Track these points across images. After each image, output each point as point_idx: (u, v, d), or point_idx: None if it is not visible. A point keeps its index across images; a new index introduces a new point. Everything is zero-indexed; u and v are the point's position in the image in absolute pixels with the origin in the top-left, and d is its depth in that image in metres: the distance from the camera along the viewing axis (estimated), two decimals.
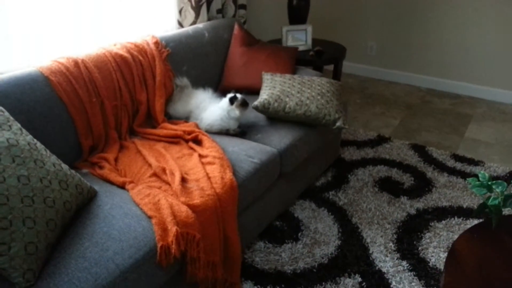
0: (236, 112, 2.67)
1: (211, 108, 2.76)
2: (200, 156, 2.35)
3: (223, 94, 3.04)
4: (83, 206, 1.88)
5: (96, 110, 2.43)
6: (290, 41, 3.89)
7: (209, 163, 2.28)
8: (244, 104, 2.68)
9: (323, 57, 3.77)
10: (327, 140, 3.16)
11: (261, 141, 2.67)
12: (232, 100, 2.64)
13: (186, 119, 2.82)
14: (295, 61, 3.42)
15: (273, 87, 2.88)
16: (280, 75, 3.06)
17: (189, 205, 1.94)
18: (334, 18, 5.20)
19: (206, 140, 2.47)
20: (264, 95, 2.81)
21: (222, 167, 2.25)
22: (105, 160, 2.34)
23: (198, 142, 2.51)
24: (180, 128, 2.58)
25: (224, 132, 2.71)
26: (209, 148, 2.40)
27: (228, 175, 2.20)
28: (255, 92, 3.13)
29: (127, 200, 1.95)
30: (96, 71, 2.47)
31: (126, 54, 2.65)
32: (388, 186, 3.26)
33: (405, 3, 4.81)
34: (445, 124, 4.21)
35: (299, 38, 3.89)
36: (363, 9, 5.07)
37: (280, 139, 2.67)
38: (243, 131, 2.74)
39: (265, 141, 2.67)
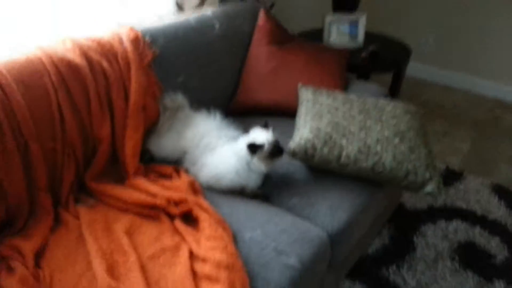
0: (261, 165, 1.54)
1: (221, 150, 1.63)
2: (193, 257, 1.24)
3: (237, 116, 1.91)
4: None
5: (12, 160, 1.32)
6: (334, 36, 2.69)
7: (209, 278, 1.17)
8: (276, 154, 1.56)
9: (378, 61, 2.59)
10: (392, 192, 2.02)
11: (299, 213, 1.55)
12: (253, 148, 1.51)
13: (177, 162, 1.70)
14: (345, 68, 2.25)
15: (318, 117, 1.73)
16: (327, 94, 1.90)
17: None
18: (379, 2, 3.93)
19: (206, 220, 1.34)
20: (304, 132, 1.66)
21: None
22: (19, 253, 1.25)
23: (191, 220, 1.40)
24: (162, 192, 1.44)
25: (237, 190, 1.60)
26: (211, 239, 1.28)
27: None
28: (286, 112, 1.99)
29: None
30: (18, 91, 1.35)
31: (78, 60, 1.51)
32: (473, 259, 2.13)
33: None
34: None
35: (346, 32, 2.70)
36: None
37: (331, 210, 1.54)
38: (266, 194, 1.62)
39: (306, 213, 1.55)
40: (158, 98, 1.72)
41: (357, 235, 1.64)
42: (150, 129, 1.70)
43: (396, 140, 1.66)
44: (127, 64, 1.62)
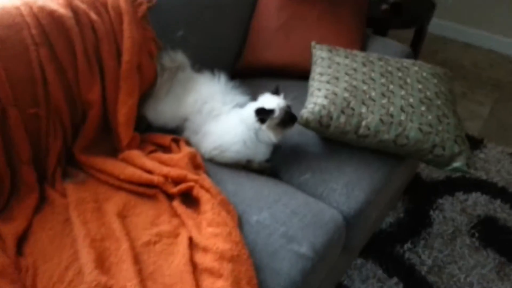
0: (271, 135, 1.36)
1: (226, 118, 1.44)
2: (193, 245, 1.09)
3: (245, 77, 1.71)
4: None
5: None
6: None
7: (210, 272, 1.02)
8: (288, 122, 1.37)
9: (400, 15, 2.34)
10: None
11: (312, 192, 1.38)
12: (262, 114, 1.32)
13: (177, 131, 1.51)
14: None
15: (335, 80, 1.53)
16: (344, 53, 1.68)
17: None
18: None
19: (208, 202, 1.18)
20: (319, 97, 1.47)
21: (237, 284, 0.99)
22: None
23: (191, 200, 1.23)
24: (159, 167, 1.26)
25: (242, 164, 1.43)
26: (213, 224, 1.12)
27: None
28: (299, 74, 1.79)
29: None
30: None
31: (63, 10, 1.29)
32: (494, 236, 1.98)
33: None
34: None
35: None
36: None
37: (347, 188, 1.37)
38: (274, 168, 1.45)
39: (319, 191, 1.38)
40: (155, 57, 1.51)
41: (374, 215, 1.48)
42: (147, 92, 1.50)
43: (422, 108, 1.46)
44: (119, 15, 1.40)
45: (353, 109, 1.43)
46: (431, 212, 2.07)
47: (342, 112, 1.42)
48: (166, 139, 1.43)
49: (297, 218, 1.23)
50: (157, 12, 1.53)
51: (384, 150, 1.47)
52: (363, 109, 1.43)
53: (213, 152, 1.41)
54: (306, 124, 1.42)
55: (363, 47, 1.90)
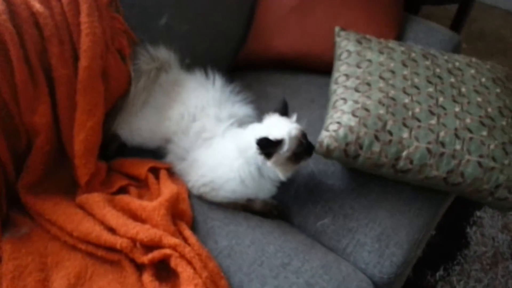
0: (278, 172, 0.99)
1: (220, 144, 1.08)
2: None
3: (248, 70, 1.36)
4: None
5: None
6: None
7: None
8: (303, 155, 1.00)
9: None
10: None
11: (332, 244, 1.04)
12: (267, 147, 0.95)
13: (159, 151, 1.16)
14: None
15: (365, 87, 1.14)
16: (378, 45, 1.29)
17: None
18: None
19: (189, 279, 0.84)
20: (344, 113, 1.08)
21: None
22: None
23: (169, 272, 0.89)
24: (126, 225, 0.91)
25: (241, 203, 1.08)
26: None
27: None
28: (316, 67, 1.42)
29: None
30: None
31: None
32: None
33: None
34: None
35: None
36: None
37: (379, 243, 1.02)
38: (283, 208, 1.10)
39: (342, 243, 1.04)
40: (128, 56, 1.12)
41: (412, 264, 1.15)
42: (118, 104, 1.13)
43: (483, 133, 1.09)
44: (75, 3, 1.01)
45: (390, 133, 1.06)
46: (468, 229, 1.73)
47: (376, 138, 1.05)
48: (142, 169, 1.08)
49: None
50: None
51: (429, 187, 1.11)
52: (405, 134, 1.06)
53: (202, 189, 1.06)
54: (327, 153, 1.05)
55: (399, 35, 1.49)
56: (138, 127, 1.14)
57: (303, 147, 1.00)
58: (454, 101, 1.13)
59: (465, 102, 1.13)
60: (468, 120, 1.10)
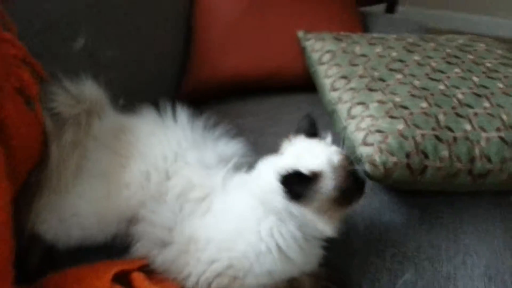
0: (320, 222, 0.61)
1: (227, 203, 0.66)
2: None
3: (198, 102, 0.95)
4: None
5: None
6: None
7: None
8: (354, 193, 0.63)
9: None
10: None
11: None
12: (296, 184, 0.58)
13: (114, 248, 0.69)
14: None
15: (379, 84, 0.85)
16: (360, 38, 1.03)
17: None
18: None
19: None
20: (376, 120, 0.76)
21: None
22: None
23: None
24: None
25: None
26: None
27: None
28: (280, 85, 1.10)
29: None
30: None
31: None
32: None
33: None
34: None
35: None
36: None
37: (498, 281, 0.69)
38: (339, 276, 0.71)
39: None
40: (37, 98, 0.66)
41: None
42: (32, 181, 0.65)
43: None
44: None
45: (449, 128, 0.75)
46: None
47: (438, 138, 0.73)
48: (100, 283, 0.60)
49: None
50: (28, 8, 0.69)
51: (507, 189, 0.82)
52: (466, 126, 0.76)
53: (217, 282, 0.62)
54: (386, 176, 0.70)
55: (366, 31, 1.24)
56: (74, 213, 0.67)
57: (353, 182, 0.63)
58: (489, 77, 0.89)
59: (501, 76, 0.89)
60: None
